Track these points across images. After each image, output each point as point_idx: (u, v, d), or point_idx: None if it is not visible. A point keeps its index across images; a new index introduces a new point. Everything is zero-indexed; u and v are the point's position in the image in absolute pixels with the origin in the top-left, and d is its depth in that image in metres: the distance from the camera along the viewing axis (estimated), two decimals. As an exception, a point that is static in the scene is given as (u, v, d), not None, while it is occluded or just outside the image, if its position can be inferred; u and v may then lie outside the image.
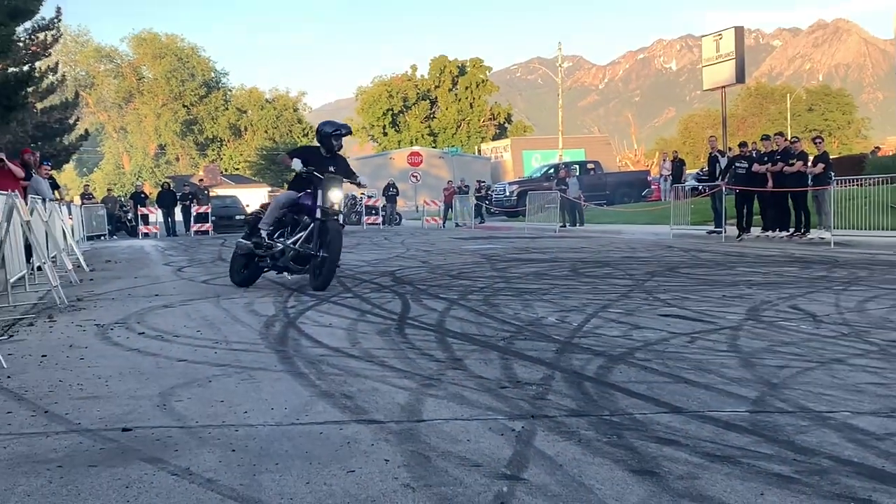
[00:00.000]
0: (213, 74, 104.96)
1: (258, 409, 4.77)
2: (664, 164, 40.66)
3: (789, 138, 23.14)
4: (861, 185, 20.56)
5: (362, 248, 21.13)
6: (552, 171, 41.84)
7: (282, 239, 11.45)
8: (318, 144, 11.90)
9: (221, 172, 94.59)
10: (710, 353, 6.15)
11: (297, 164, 11.40)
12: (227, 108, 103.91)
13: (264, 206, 12.73)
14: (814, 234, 19.59)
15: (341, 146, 11.97)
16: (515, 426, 4.27)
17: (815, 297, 9.18)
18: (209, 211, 35.98)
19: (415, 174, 49.28)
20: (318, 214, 11.11)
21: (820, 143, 22.73)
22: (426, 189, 54.49)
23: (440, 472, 3.58)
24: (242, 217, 37.14)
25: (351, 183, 12.10)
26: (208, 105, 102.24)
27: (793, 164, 20.16)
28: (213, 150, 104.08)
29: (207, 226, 35.16)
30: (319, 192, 11.20)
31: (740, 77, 35.77)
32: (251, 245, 11.54)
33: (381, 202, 42.13)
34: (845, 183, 19.99)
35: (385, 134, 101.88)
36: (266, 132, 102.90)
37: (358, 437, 4.14)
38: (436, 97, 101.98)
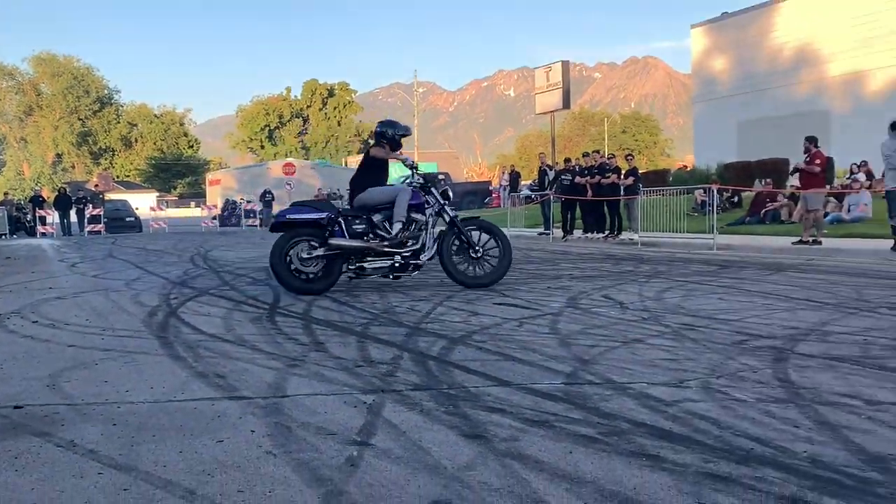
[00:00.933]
0: (106, 91, 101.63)
1: (139, 388, 4.65)
2: (503, 176, 41.25)
3: (606, 155, 23.76)
4: (664, 195, 21.28)
5: (240, 247, 20.78)
6: (409, 181, 41.94)
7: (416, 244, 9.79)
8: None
9: (113, 179, 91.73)
10: (535, 335, 6.26)
11: (408, 160, 10.32)
12: (118, 122, 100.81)
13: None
14: (625, 235, 20.16)
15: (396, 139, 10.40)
16: (367, 399, 4.27)
17: (623, 288, 9.45)
18: (102, 213, 34.83)
19: (289, 182, 48.77)
20: (450, 213, 9.95)
21: (631, 159, 23.48)
22: (299, 195, 53.83)
23: (299, 440, 3.56)
24: (133, 219, 36.12)
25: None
26: (101, 119, 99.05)
27: (608, 177, 20.71)
28: (105, 159, 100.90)
29: (100, 227, 34.04)
30: (434, 189, 10.10)
31: (566, 103, 36.54)
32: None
33: (258, 207, 41.59)
34: (651, 193, 20.65)
35: (262, 147, 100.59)
36: (155, 144, 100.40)
37: (228, 412, 4.07)
38: (308, 115, 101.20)
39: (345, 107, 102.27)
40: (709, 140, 40.63)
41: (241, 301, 8.74)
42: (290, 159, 68.85)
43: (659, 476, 3.06)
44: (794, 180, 16.89)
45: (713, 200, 17.97)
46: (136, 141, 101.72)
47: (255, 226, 40.01)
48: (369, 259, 9.60)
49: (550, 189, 22.80)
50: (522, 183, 37.64)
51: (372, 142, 10.30)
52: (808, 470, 3.11)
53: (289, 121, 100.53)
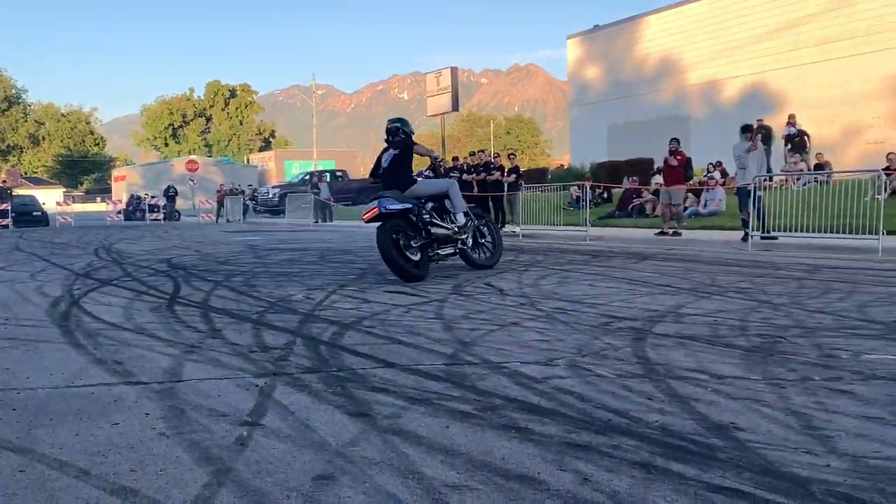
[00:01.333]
0: (14, 90, 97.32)
1: (39, 375, 4.48)
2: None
3: (491, 154, 23.98)
4: (544, 191, 21.59)
5: (144, 240, 20.21)
6: (308, 177, 41.46)
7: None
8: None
9: (22, 175, 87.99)
10: (421, 320, 6.28)
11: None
12: (26, 120, 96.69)
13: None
14: (508, 228, 20.37)
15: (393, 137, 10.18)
16: (259, 382, 4.22)
17: (503, 277, 9.56)
18: (9, 208, 33.34)
19: (192, 178, 47.57)
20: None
21: (513, 158, 23.70)
22: (202, 191, 52.74)
23: (192, 422, 3.49)
24: (39, 213, 34.72)
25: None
26: (9, 117, 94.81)
27: (493, 175, 20.89)
28: (14, 156, 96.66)
29: (7, 221, 32.55)
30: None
31: (455, 107, 36.55)
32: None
33: (162, 201, 40.54)
34: (532, 189, 20.93)
35: (167, 145, 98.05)
36: (62, 141, 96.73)
37: (124, 396, 3.97)
38: (210, 115, 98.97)
39: (246, 107, 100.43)
40: (583, 141, 41.38)
41: (142, 291, 8.51)
42: (193, 156, 67.20)
43: (526, 446, 3.11)
44: (658, 178, 17.42)
45: (586, 196, 18.35)
46: (44, 139, 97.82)
47: (159, 220, 39.00)
48: (442, 246, 9.86)
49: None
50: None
51: (399, 136, 10.12)
52: (659, 438, 3.21)
53: (192, 120, 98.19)
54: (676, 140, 17.00)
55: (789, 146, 23.88)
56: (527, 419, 3.47)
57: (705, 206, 20.51)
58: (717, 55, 35.21)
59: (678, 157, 16.68)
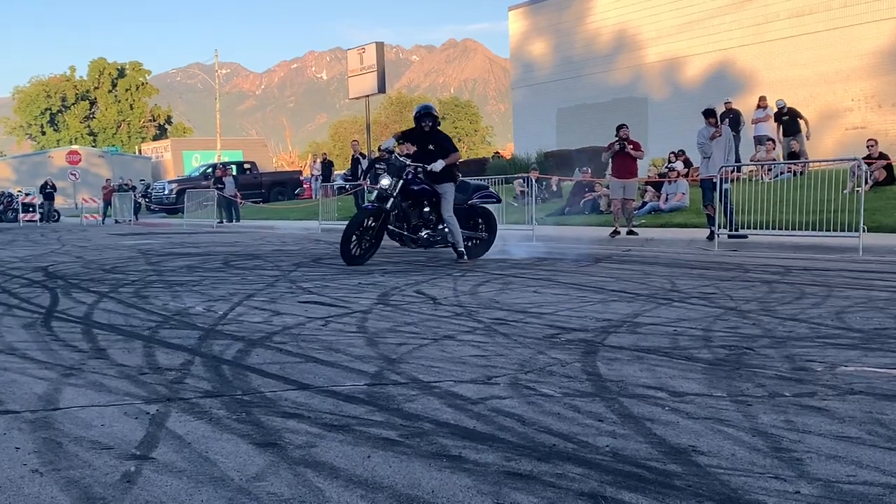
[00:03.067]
0: None
1: None
2: (315, 165, 41.05)
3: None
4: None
5: (17, 244, 19.78)
6: (210, 170, 41.06)
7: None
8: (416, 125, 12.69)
9: None
10: (341, 335, 6.28)
11: (388, 143, 12.80)
12: None
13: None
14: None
15: (430, 125, 12.53)
16: (150, 409, 4.16)
17: (437, 283, 9.61)
18: None
19: (74, 172, 46.73)
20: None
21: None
22: (86, 187, 51.89)
23: (70, 457, 3.43)
24: None
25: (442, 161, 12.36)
26: None
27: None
28: None
29: None
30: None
31: (381, 88, 36.73)
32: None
33: (38, 199, 39.71)
34: (469, 182, 21.00)
35: (43, 133, 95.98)
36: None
37: (-10, 428, 3.88)
38: (95, 98, 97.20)
39: (137, 89, 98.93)
40: (528, 127, 41.74)
41: (13, 305, 8.33)
42: (75, 147, 65.97)
43: (459, 477, 3.13)
44: (609, 168, 17.62)
45: (532, 190, 18.51)
46: None
47: (35, 221, 38.20)
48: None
49: (364, 179, 22.86)
50: (336, 173, 37.59)
51: (429, 122, 12.55)
52: (610, 464, 3.26)
53: (73, 104, 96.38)
54: (625, 126, 17.19)
55: (779, 126, 24.22)
56: (460, 446, 3.50)
57: (666, 200, 20.87)
58: (678, 29, 35.79)
59: (631, 145, 16.85)
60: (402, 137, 13.08)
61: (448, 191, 12.45)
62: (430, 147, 12.31)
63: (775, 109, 24.51)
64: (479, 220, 13.31)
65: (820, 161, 20.66)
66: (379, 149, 12.71)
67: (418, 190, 12.40)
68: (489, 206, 13.63)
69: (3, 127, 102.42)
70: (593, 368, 4.93)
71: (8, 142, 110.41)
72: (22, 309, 8.04)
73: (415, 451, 3.44)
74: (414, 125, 12.74)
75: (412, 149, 12.94)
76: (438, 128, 12.67)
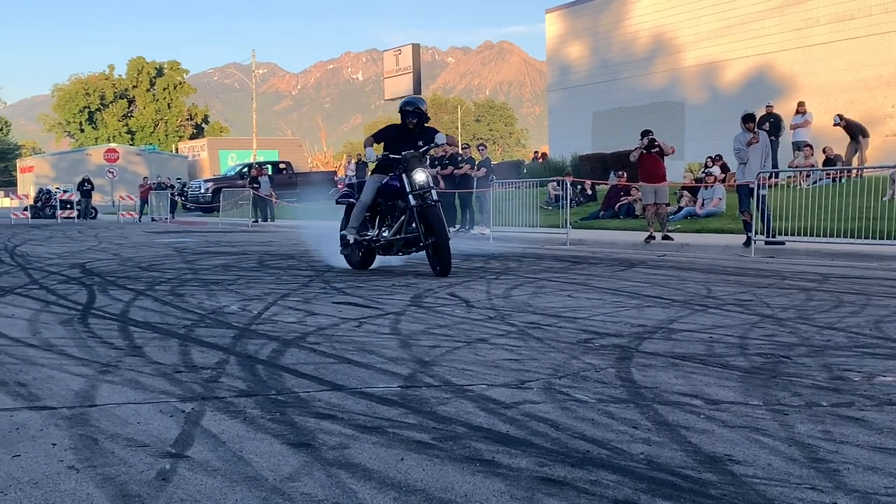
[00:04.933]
0: None
1: (-74, 400, 4.43)
2: (349, 165, 41.20)
3: (459, 145, 24.06)
4: (518, 187, 21.69)
5: (54, 241, 20.02)
6: (246, 169, 41.30)
7: (385, 232, 11.16)
8: (401, 121, 11.30)
9: None
10: (374, 336, 6.29)
11: (370, 156, 11.31)
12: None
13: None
14: (476, 230, 20.47)
15: (418, 120, 11.15)
16: (186, 408, 4.20)
17: (470, 286, 9.60)
18: None
19: (111, 170, 47.19)
20: (412, 201, 10.62)
21: (483, 149, 23.82)
22: (123, 185, 52.42)
23: (106, 454, 3.47)
24: None
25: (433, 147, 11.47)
26: None
27: (461, 168, 20.99)
28: None
29: None
30: (404, 175, 10.73)
31: (417, 89, 36.76)
32: (358, 240, 11.28)
33: (76, 197, 40.12)
34: (505, 185, 21.02)
35: (82, 130, 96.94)
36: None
37: (28, 423, 3.93)
38: (133, 97, 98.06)
39: (175, 88, 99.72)
40: (564, 130, 41.62)
41: (50, 301, 8.44)
42: (112, 145, 66.67)
43: (492, 482, 3.13)
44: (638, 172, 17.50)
45: (567, 194, 18.47)
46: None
47: (72, 217, 38.61)
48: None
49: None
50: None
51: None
52: (644, 472, 3.24)
53: (112, 102, 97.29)
54: (650, 131, 17.04)
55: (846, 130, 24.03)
56: (493, 450, 3.49)
57: (703, 205, 20.72)
58: (717, 33, 35.55)
59: (654, 149, 16.67)
60: (379, 138, 11.49)
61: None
62: (421, 143, 11.04)
63: (833, 123, 24.27)
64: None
65: (859, 167, 20.44)
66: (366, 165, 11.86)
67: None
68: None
69: (43, 124, 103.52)
70: (627, 374, 4.91)
71: (47, 139, 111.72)
72: (59, 305, 8.13)
73: (448, 455, 3.44)
74: (399, 121, 11.38)
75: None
76: (426, 125, 11.34)
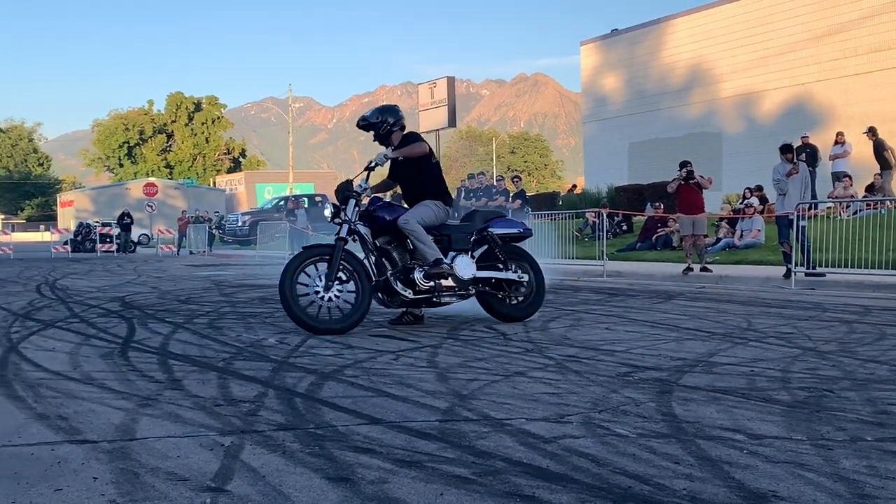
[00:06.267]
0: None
1: (-31, 433, 4.47)
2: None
3: (494, 177, 24.11)
4: (554, 219, 21.67)
5: (94, 274, 20.23)
6: (283, 202, 41.60)
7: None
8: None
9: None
10: (412, 369, 6.29)
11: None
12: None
13: None
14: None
15: (374, 134, 9.21)
16: (225, 441, 4.21)
17: (508, 318, 9.57)
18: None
19: (150, 204, 47.71)
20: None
21: (518, 181, 23.86)
22: (162, 218, 52.98)
23: (147, 488, 3.48)
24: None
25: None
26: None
27: (496, 200, 21.02)
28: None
29: (-65, 253, 32.56)
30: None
31: (452, 122, 36.88)
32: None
33: (115, 230, 40.57)
34: (540, 217, 21.01)
35: (121, 165, 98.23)
36: (0, 161, 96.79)
37: (69, 457, 3.95)
38: (172, 131, 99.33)
39: (213, 122, 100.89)
40: (599, 162, 41.62)
41: (90, 335, 8.51)
42: (151, 179, 67.54)
43: (533, 518, 3.11)
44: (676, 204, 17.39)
45: (603, 225, 18.43)
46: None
47: (112, 251, 39.02)
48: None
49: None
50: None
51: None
52: (687, 507, 3.21)
53: (151, 137, 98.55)
54: (689, 162, 16.98)
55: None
56: (533, 486, 3.47)
57: (741, 236, 20.59)
58: (754, 64, 35.47)
59: (693, 181, 16.61)
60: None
61: (417, 211, 8.98)
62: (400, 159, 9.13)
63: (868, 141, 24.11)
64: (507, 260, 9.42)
65: (900, 198, 20.22)
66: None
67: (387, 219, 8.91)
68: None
69: (83, 159, 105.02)
70: (668, 409, 4.86)
71: (87, 173, 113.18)
72: (100, 339, 8.20)
73: (488, 490, 3.42)
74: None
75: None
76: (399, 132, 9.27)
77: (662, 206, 23.50)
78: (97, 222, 44.42)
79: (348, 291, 8.57)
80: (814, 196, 16.96)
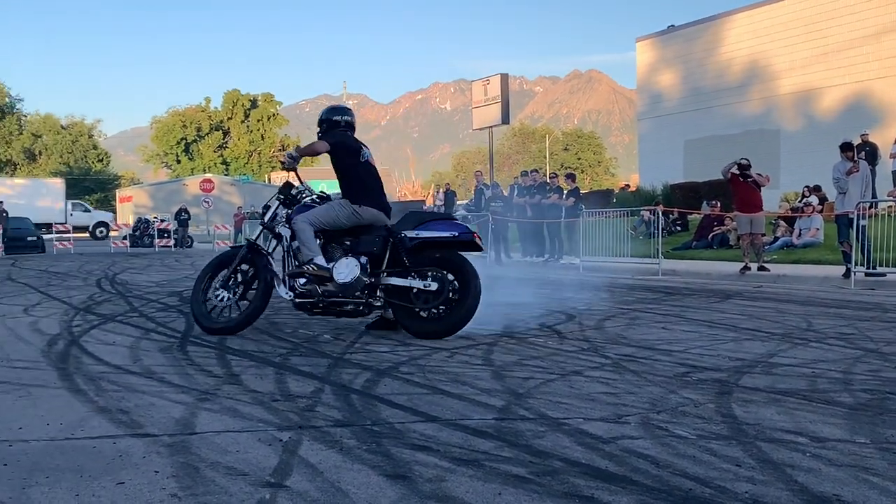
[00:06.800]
0: (7, 100, 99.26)
1: (34, 424, 4.54)
2: (438, 195, 41.37)
3: (547, 174, 24.01)
4: (608, 217, 21.51)
5: (152, 269, 20.49)
6: (336, 199, 41.79)
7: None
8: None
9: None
10: (467, 367, 6.28)
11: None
12: (21, 133, 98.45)
13: None
14: (566, 259, 20.34)
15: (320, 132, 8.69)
16: (283, 437, 4.23)
17: (562, 316, 9.52)
18: (0, 232, 33.98)
19: (207, 199, 48.24)
20: None
21: (572, 179, 23.71)
22: (218, 214, 53.54)
23: (207, 482, 3.51)
24: (35, 238, 35.32)
25: None
26: (2, 129, 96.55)
27: (549, 198, 20.93)
28: (6, 173, 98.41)
29: (-1, 246, 33.15)
30: None
31: (505, 119, 36.77)
32: None
33: (173, 226, 41.06)
34: (594, 215, 20.86)
35: (179, 161, 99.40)
36: (61, 157, 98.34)
37: (130, 451, 4.00)
38: (228, 128, 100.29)
39: (269, 119, 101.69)
40: (654, 159, 41.25)
41: (150, 329, 8.62)
42: (208, 175, 68.32)
43: (592, 519, 3.08)
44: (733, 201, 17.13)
45: (658, 223, 18.26)
46: (41, 154, 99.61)
47: (169, 247, 39.48)
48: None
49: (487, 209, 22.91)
50: (458, 203, 37.78)
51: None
52: (749, 511, 3.16)
53: (208, 134, 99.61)
54: (746, 159, 16.73)
55: None
56: (593, 486, 3.44)
57: (800, 235, 20.28)
58: (813, 60, 34.93)
59: (751, 179, 16.38)
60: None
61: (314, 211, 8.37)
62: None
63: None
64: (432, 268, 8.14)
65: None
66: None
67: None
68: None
69: (141, 155, 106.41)
70: (728, 410, 4.80)
71: (145, 169, 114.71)
72: (158, 333, 8.30)
73: (546, 490, 3.39)
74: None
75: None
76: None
77: (719, 205, 23.22)
78: (155, 218, 45.00)
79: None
80: (874, 195, 16.63)
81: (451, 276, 8.06)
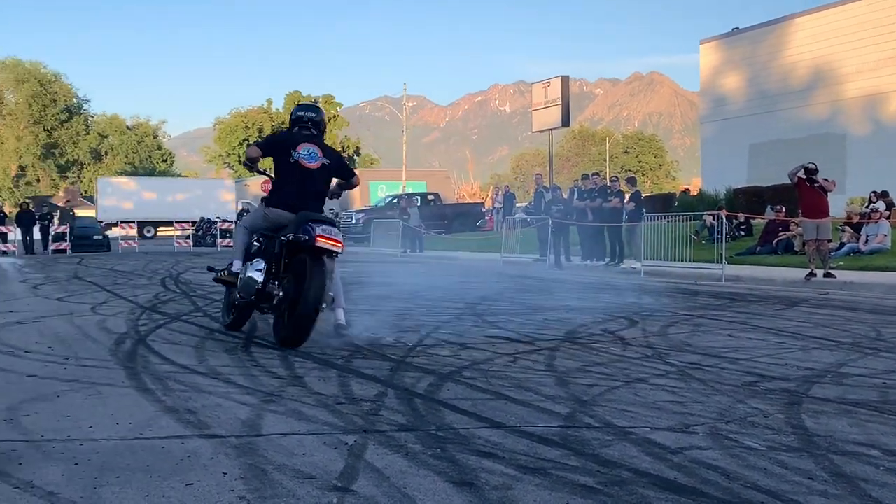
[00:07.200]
0: (74, 100, 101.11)
1: (103, 423, 4.61)
2: (497, 197, 41.37)
3: (608, 177, 23.85)
4: (669, 220, 21.28)
5: (215, 269, 20.72)
6: (396, 200, 41.92)
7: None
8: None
9: (81, 194, 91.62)
10: (530, 372, 6.25)
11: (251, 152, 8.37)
12: (88, 133, 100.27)
13: None
14: (627, 263, 20.17)
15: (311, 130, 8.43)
16: (348, 440, 4.24)
17: (624, 322, 9.44)
18: (67, 230, 34.67)
19: (268, 200, 48.61)
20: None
21: (633, 182, 23.54)
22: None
23: (275, 485, 3.53)
24: (101, 237, 35.96)
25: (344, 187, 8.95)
26: (69, 129, 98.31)
27: (610, 201, 20.79)
28: (73, 172, 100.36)
29: (65, 245, 33.81)
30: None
31: (565, 121, 36.69)
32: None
33: (234, 226, 41.51)
34: (655, 219, 20.66)
35: (241, 162, 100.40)
36: (126, 157, 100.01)
37: (199, 451, 4.04)
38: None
39: (329, 121, 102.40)
40: (717, 163, 40.79)
41: (214, 329, 8.71)
42: (269, 175, 68.90)
43: (663, 531, 3.04)
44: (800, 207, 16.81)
45: (722, 228, 18.03)
46: (107, 154, 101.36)
47: (232, 246, 39.95)
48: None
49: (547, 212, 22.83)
50: (517, 205, 37.73)
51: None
52: (824, 526, 3.10)
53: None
54: (814, 163, 16.44)
55: None
56: (662, 498, 3.39)
57: (866, 242, 19.90)
58: (881, 63, 34.27)
59: (818, 184, 16.10)
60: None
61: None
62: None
63: None
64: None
65: None
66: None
67: None
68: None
69: (204, 155, 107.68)
70: (798, 421, 4.71)
71: (208, 169, 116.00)
72: (224, 333, 8.38)
73: (615, 501, 3.36)
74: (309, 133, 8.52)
75: None
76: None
77: (784, 210, 22.87)
78: (218, 218, 45.50)
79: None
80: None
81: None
